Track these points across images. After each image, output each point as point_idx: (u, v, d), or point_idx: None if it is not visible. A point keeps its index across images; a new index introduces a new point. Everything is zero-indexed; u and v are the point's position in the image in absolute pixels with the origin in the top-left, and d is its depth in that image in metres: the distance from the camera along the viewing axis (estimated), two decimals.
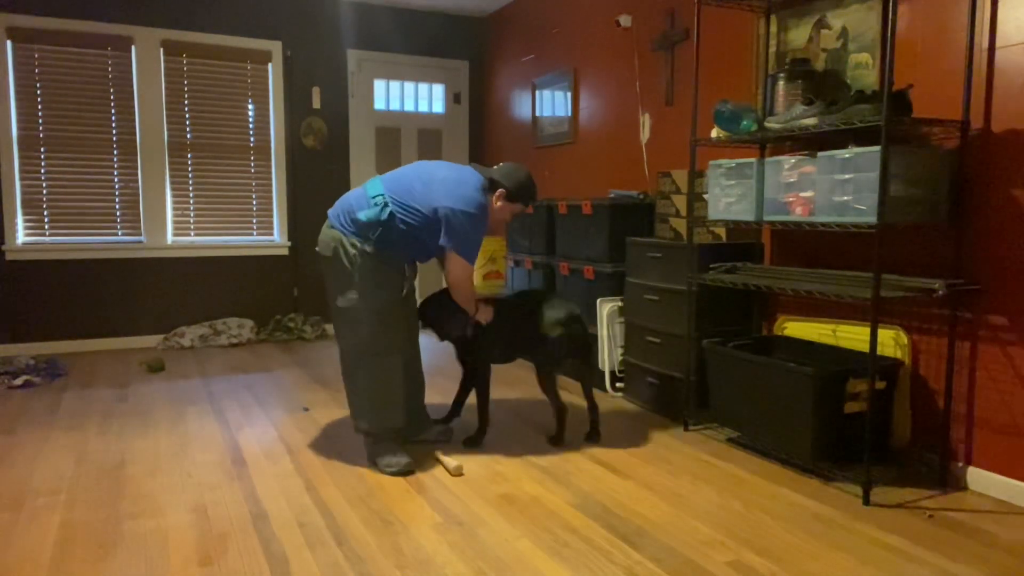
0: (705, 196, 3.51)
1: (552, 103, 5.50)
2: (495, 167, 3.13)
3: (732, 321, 3.59)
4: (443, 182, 2.97)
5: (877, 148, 2.53)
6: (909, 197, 2.66)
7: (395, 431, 3.01)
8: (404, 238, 2.96)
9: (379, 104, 6.19)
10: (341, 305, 2.96)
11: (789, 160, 2.96)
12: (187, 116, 5.49)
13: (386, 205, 2.93)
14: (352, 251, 2.91)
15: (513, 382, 4.37)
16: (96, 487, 2.75)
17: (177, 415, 3.70)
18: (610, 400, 3.99)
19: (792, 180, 2.95)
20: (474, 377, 3.29)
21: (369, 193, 2.99)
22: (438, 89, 6.43)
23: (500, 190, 3.07)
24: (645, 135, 4.52)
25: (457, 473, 2.89)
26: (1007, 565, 2.20)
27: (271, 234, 5.84)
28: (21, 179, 5.08)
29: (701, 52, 3.94)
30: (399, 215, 2.93)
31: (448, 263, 2.99)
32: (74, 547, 2.28)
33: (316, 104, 5.87)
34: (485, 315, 3.18)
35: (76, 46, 5.13)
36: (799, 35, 3.39)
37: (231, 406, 3.86)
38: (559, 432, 3.25)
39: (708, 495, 2.70)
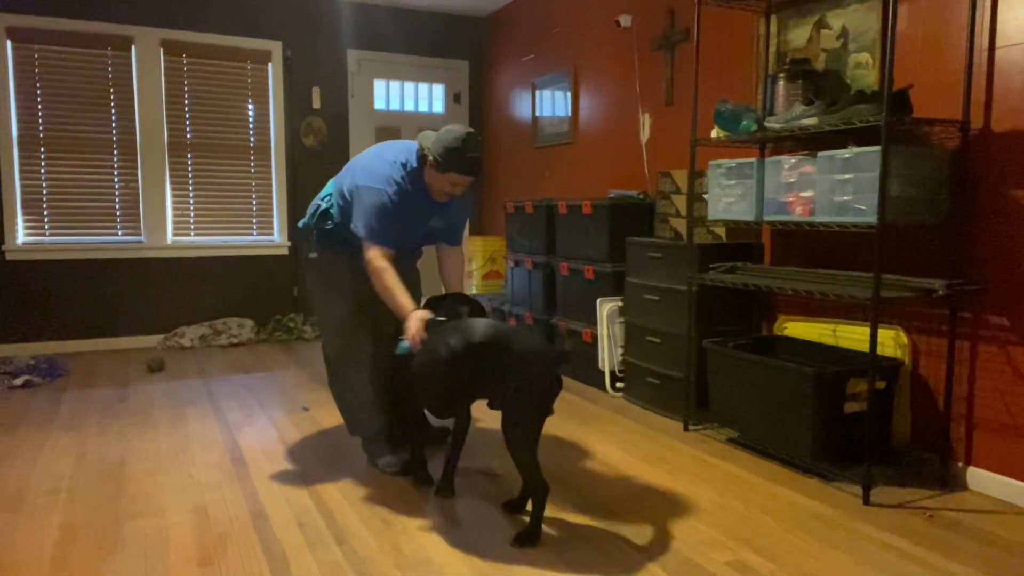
0: (705, 196, 3.51)
1: (552, 103, 5.50)
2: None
3: (732, 321, 3.59)
4: (366, 161, 2.73)
5: (877, 148, 2.53)
6: (909, 197, 2.66)
7: (386, 432, 2.98)
8: (349, 235, 2.78)
9: (379, 104, 6.19)
10: (316, 312, 2.97)
11: (789, 160, 2.96)
12: (187, 116, 5.49)
13: (318, 208, 2.84)
14: (305, 257, 2.90)
15: None
16: (96, 487, 2.75)
17: (177, 415, 3.70)
18: (610, 400, 3.99)
19: (792, 180, 2.95)
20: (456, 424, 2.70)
21: (321, 194, 2.92)
22: (438, 89, 6.44)
23: (428, 159, 2.67)
24: (645, 135, 4.52)
25: (496, 472, 2.89)
26: (1007, 565, 2.20)
27: (271, 234, 5.84)
28: (21, 179, 5.08)
29: (701, 52, 3.94)
30: (339, 213, 2.80)
31: (363, 251, 2.64)
32: (74, 547, 2.28)
33: (316, 104, 5.87)
34: (414, 330, 2.49)
35: (76, 46, 5.13)
36: (799, 35, 3.39)
37: (231, 406, 3.86)
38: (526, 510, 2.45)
39: (708, 495, 2.70)
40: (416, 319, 2.51)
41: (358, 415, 2.97)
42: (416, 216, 2.78)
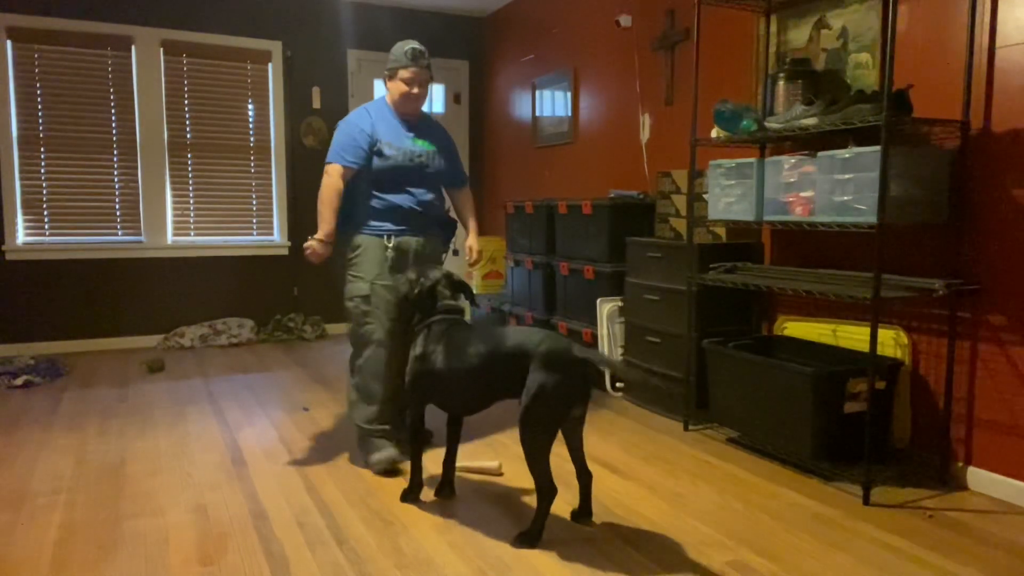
0: (705, 196, 3.51)
1: (552, 103, 5.50)
2: None
3: (732, 321, 3.59)
4: None
5: (877, 148, 2.53)
6: (909, 197, 2.66)
7: (380, 426, 2.98)
8: (352, 204, 2.98)
9: None
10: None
11: (789, 160, 2.96)
12: (187, 116, 5.49)
13: None
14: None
15: None
16: (96, 487, 2.76)
17: (177, 415, 3.70)
18: (610, 400, 3.99)
19: (792, 180, 2.95)
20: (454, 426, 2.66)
21: None
22: (438, 89, 6.43)
23: (385, 78, 3.05)
24: (645, 135, 4.52)
25: (499, 472, 2.89)
26: (1007, 565, 2.20)
27: (271, 234, 5.84)
28: (21, 179, 5.08)
29: (701, 52, 3.94)
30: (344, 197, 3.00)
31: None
32: (74, 547, 2.28)
33: (316, 104, 5.87)
34: (317, 248, 2.86)
35: (76, 46, 5.13)
36: (799, 35, 3.39)
37: (231, 406, 3.86)
38: (538, 523, 2.32)
39: (708, 495, 2.70)
40: (321, 247, 2.87)
41: (360, 401, 3.00)
42: (399, 135, 3.02)
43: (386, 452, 2.92)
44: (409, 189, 3.00)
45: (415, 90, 2.98)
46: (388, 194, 2.98)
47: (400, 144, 3.00)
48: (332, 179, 2.94)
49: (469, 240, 3.20)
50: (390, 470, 2.89)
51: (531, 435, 2.24)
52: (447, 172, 3.16)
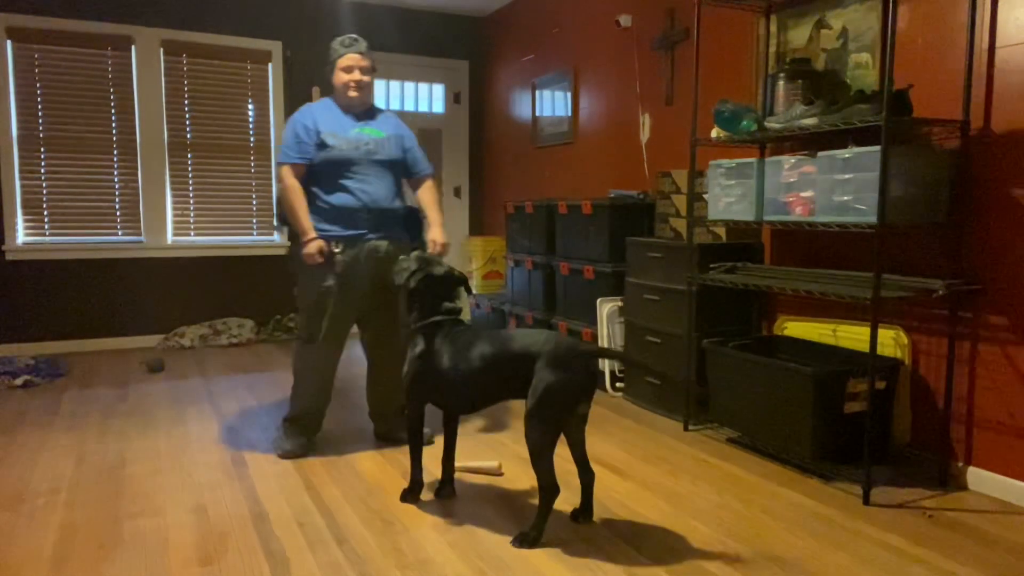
0: (705, 196, 3.51)
1: (552, 103, 5.50)
2: None
3: (732, 321, 3.59)
4: None
5: (877, 148, 2.53)
6: (909, 197, 2.66)
7: (308, 416, 3.12)
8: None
9: (379, 104, 6.17)
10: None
11: (789, 160, 2.96)
12: (187, 116, 5.49)
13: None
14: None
15: None
16: (96, 487, 2.76)
17: (177, 415, 3.70)
18: (610, 400, 3.99)
19: (792, 180, 2.95)
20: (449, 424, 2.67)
21: None
22: (438, 89, 6.44)
23: (328, 74, 3.08)
24: (645, 135, 4.52)
25: (499, 472, 2.89)
26: (1007, 565, 2.20)
27: (271, 234, 5.84)
28: (21, 179, 5.08)
29: (701, 52, 3.94)
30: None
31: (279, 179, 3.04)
32: (74, 547, 2.28)
33: None
34: (312, 249, 2.90)
35: (76, 46, 5.13)
36: (799, 35, 3.39)
37: (231, 406, 3.86)
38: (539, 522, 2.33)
39: (708, 495, 2.70)
40: (315, 245, 2.90)
41: (292, 396, 3.13)
42: (342, 125, 3.01)
43: (301, 445, 3.09)
44: (354, 185, 2.96)
45: (355, 76, 2.99)
46: (333, 193, 2.96)
47: (344, 133, 2.98)
48: (286, 181, 2.96)
49: (432, 233, 3.13)
50: (284, 457, 3.07)
51: (538, 433, 2.24)
52: (401, 161, 3.12)
